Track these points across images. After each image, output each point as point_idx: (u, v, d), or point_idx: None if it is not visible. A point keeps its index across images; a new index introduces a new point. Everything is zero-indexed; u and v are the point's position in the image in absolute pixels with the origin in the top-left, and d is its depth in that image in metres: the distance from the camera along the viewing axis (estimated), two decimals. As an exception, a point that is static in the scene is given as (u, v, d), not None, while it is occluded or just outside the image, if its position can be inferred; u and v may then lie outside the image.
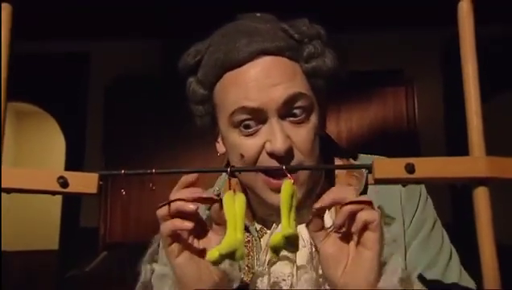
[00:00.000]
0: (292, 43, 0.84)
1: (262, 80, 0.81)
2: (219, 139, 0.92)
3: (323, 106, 0.89)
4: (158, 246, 0.81)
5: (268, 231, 0.91)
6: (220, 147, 0.92)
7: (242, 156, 0.83)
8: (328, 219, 0.84)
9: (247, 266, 0.88)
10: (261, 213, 0.92)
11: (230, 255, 0.64)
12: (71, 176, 0.59)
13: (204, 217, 0.94)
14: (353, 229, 0.68)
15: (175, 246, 0.74)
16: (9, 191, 0.59)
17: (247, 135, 0.83)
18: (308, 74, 0.84)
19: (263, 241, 0.90)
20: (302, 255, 0.83)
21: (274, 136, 0.80)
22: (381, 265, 0.69)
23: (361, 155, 0.96)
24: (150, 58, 3.83)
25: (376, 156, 0.95)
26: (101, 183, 0.60)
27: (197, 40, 0.91)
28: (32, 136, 5.83)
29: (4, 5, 0.59)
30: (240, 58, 0.81)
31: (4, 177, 0.57)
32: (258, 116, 0.81)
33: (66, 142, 4.09)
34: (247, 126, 0.82)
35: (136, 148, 3.58)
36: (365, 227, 0.67)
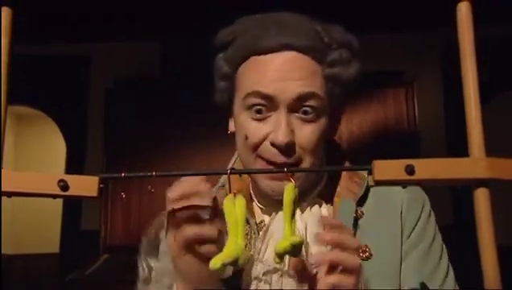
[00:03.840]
0: (320, 46, 0.86)
1: (281, 71, 0.84)
2: (231, 118, 0.95)
3: (335, 114, 0.91)
4: (155, 238, 0.82)
5: (266, 222, 0.92)
6: (231, 126, 0.95)
7: (246, 138, 0.86)
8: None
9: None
10: (261, 203, 0.94)
11: (233, 262, 0.65)
12: (71, 179, 0.59)
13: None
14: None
15: (185, 249, 0.74)
16: (10, 194, 0.59)
17: (256, 120, 0.85)
18: (328, 79, 0.86)
19: (261, 232, 0.90)
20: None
21: (279, 127, 0.82)
22: None
23: None
24: (149, 60, 3.84)
25: None
26: (101, 186, 0.60)
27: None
28: (32, 139, 5.84)
29: (4, 8, 0.59)
30: (266, 46, 0.85)
31: (5, 181, 0.57)
32: (269, 103, 0.84)
33: (66, 145, 4.09)
34: (258, 111, 0.85)
35: (136, 151, 3.58)
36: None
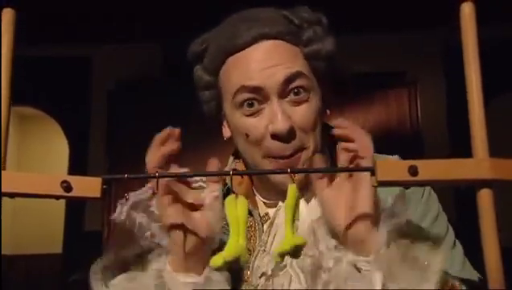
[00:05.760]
0: (292, 28, 0.87)
1: (262, 61, 0.84)
2: (224, 124, 0.95)
3: (325, 90, 0.91)
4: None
5: (270, 215, 0.92)
6: (226, 132, 0.95)
7: (247, 136, 0.86)
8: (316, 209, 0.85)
9: (248, 249, 0.88)
10: (265, 197, 0.94)
11: (234, 261, 0.65)
12: (74, 181, 0.59)
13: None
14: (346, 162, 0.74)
15: (168, 198, 0.75)
16: (12, 195, 0.59)
17: (250, 115, 0.86)
18: (308, 57, 0.88)
19: (266, 225, 0.91)
20: (301, 232, 0.83)
21: (276, 117, 0.83)
22: (379, 209, 0.71)
23: None
24: (150, 61, 3.84)
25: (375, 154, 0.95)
26: (104, 187, 0.60)
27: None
28: (35, 140, 5.84)
29: (6, 10, 0.60)
30: (241, 42, 0.86)
31: (8, 181, 0.57)
32: (260, 95, 0.84)
33: (69, 146, 4.09)
34: (250, 105, 0.85)
35: (139, 151, 3.57)
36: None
